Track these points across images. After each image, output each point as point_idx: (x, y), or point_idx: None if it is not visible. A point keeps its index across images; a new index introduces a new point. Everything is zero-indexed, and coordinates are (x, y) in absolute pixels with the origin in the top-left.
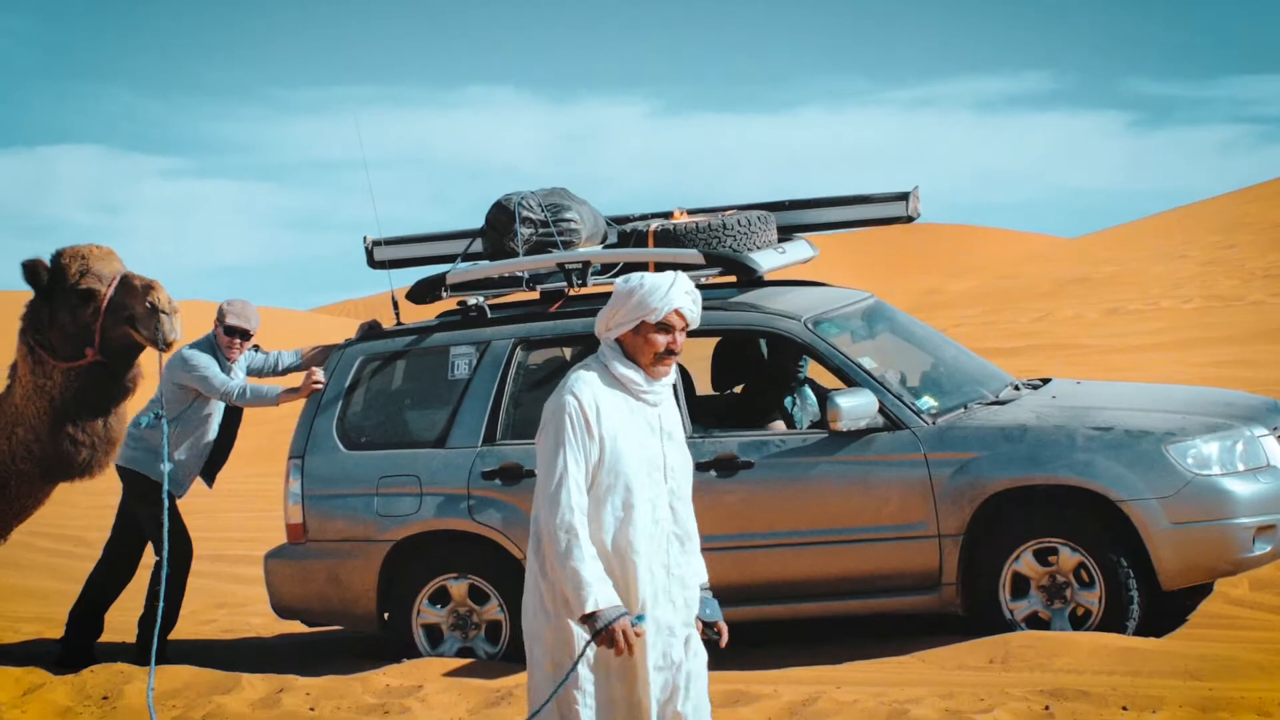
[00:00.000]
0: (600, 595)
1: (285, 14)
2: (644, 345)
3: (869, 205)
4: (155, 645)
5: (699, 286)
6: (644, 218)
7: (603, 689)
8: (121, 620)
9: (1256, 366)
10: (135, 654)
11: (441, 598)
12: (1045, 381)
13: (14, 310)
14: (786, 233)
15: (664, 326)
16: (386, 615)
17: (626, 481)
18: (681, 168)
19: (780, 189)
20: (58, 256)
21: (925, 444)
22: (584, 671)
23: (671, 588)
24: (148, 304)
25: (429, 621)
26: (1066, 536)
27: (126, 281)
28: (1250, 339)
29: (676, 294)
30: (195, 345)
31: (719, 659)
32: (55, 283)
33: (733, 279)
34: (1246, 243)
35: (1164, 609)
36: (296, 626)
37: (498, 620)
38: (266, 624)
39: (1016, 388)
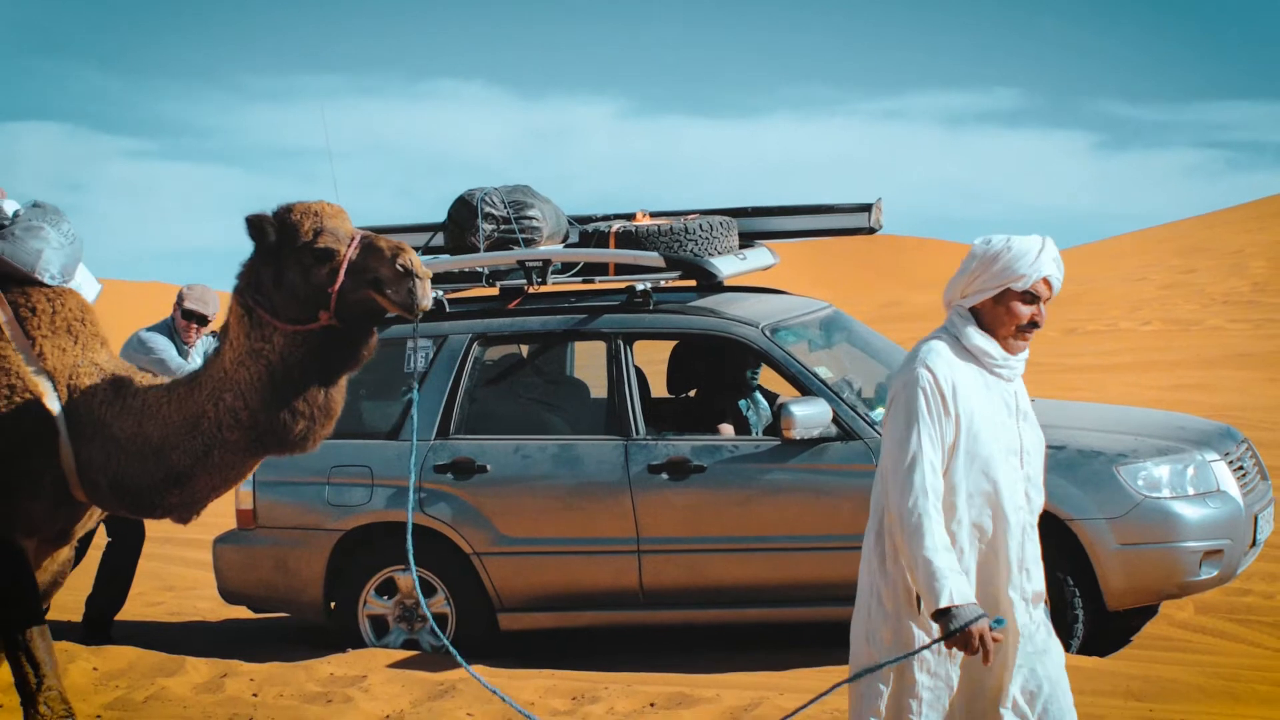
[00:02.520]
0: (957, 589)
1: None
2: (1005, 316)
3: (831, 215)
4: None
5: (656, 290)
6: (606, 218)
7: (942, 688)
8: (69, 599)
9: (1212, 391)
10: (82, 633)
11: (388, 589)
12: None
13: None
14: (748, 239)
15: (1030, 296)
16: (333, 604)
17: (984, 467)
18: (647, 170)
19: (745, 195)
20: (287, 212)
21: (878, 455)
22: (921, 673)
23: (1023, 583)
24: (398, 267)
25: (375, 612)
26: None
27: (370, 243)
28: (1207, 364)
29: (1046, 260)
30: (153, 328)
31: (659, 661)
32: (284, 240)
33: (692, 283)
34: (1207, 268)
35: (1108, 629)
36: (242, 612)
37: (444, 613)
38: (213, 608)
39: None
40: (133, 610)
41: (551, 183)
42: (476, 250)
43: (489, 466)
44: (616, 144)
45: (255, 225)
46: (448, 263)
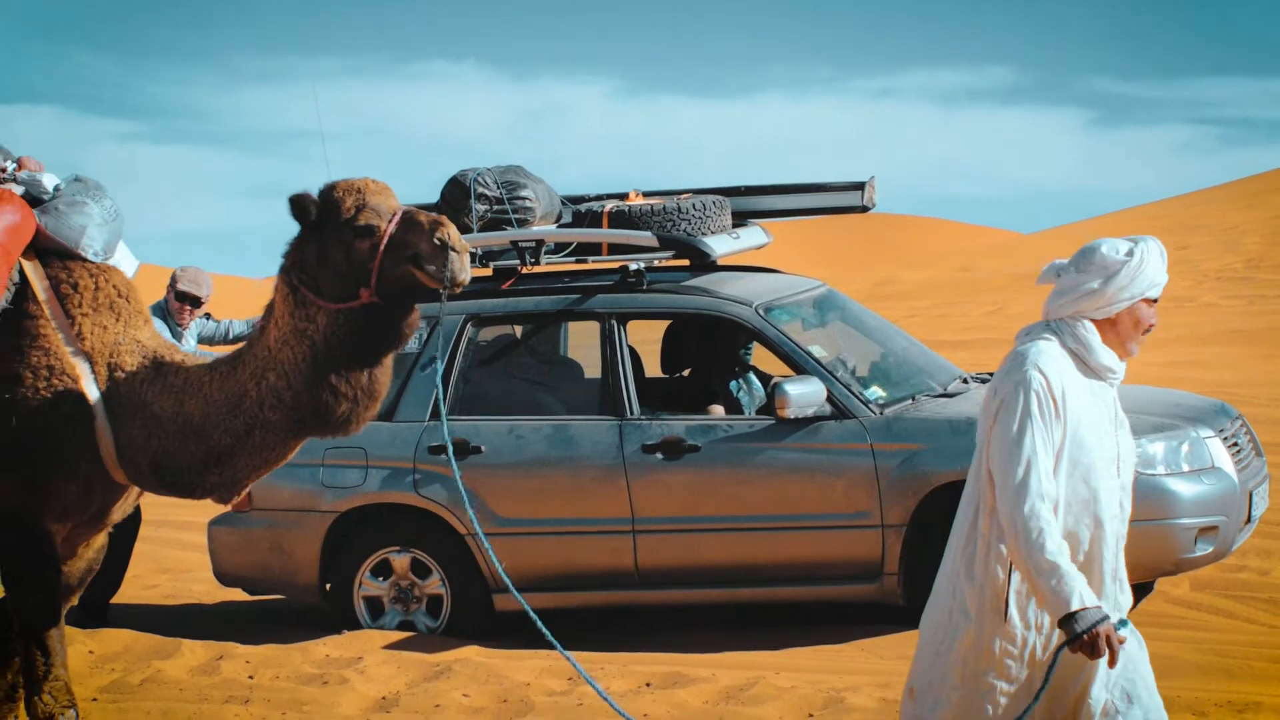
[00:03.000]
0: (1086, 592)
1: None
2: (1133, 323)
3: (824, 194)
4: None
5: (649, 270)
6: (599, 198)
7: (1021, 695)
8: None
9: (1206, 368)
10: (77, 616)
11: (384, 570)
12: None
13: None
14: (741, 218)
15: (1153, 299)
16: (328, 586)
17: (1085, 475)
18: (640, 150)
19: (739, 174)
20: (330, 189)
21: (872, 434)
22: (999, 680)
23: (1116, 594)
24: (436, 240)
25: (370, 594)
26: None
27: (410, 217)
28: (1201, 341)
29: (1165, 260)
30: None
31: (655, 641)
32: (326, 218)
33: (686, 263)
34: (1200, 245)
35: None
36: (238, 594)
37: (439, 594)
38: (208, 591)
39: (965, 381)
40: (128, 593)
41: (544, 163)
42: (470, 231)
43: (483, 447)
44: (609, 124)
45: (297, 204)
46: None
